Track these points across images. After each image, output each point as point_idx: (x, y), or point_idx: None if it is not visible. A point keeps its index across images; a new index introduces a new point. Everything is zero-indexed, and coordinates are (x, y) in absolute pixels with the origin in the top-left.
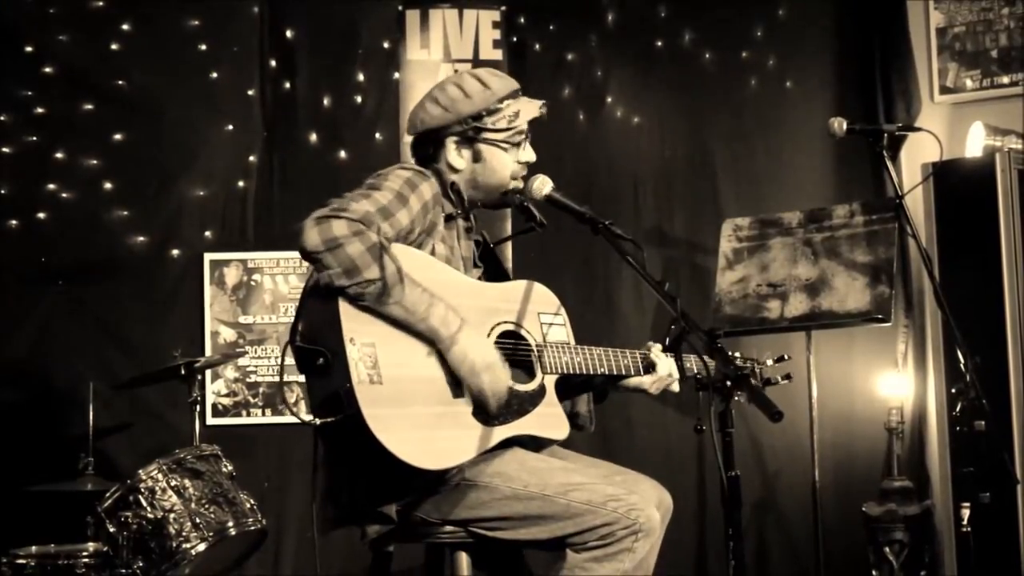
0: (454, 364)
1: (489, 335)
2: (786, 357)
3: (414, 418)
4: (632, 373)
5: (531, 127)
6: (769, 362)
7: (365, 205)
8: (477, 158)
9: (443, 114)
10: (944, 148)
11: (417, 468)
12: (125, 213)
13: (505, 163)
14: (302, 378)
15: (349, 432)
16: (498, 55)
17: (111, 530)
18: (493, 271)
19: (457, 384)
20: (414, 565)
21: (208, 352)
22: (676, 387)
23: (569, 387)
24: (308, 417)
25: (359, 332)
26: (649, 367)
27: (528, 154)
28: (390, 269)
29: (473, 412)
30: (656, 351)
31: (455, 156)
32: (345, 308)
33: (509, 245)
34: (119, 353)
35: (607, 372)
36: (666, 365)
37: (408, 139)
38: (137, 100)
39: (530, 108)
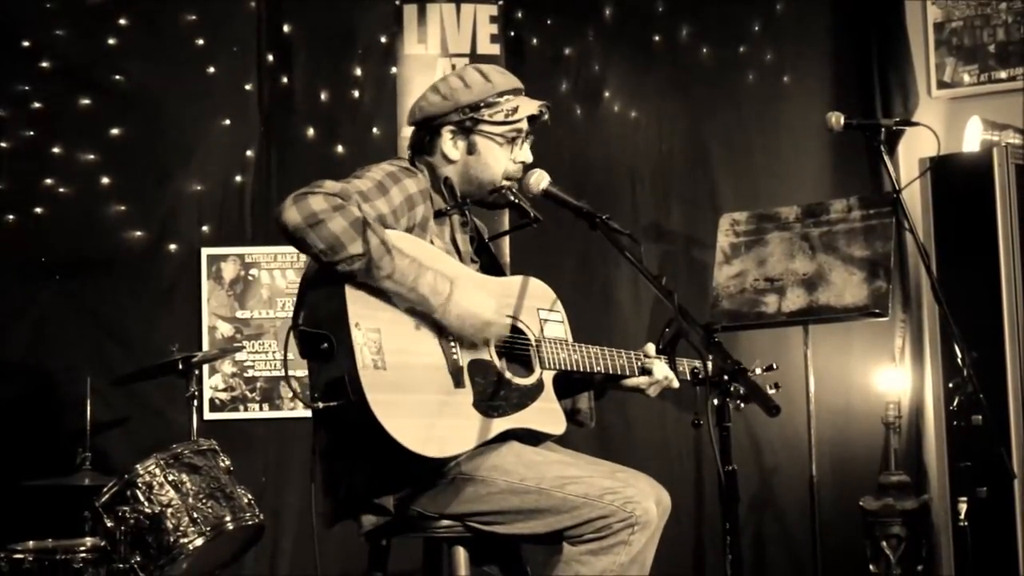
0: (454, 330)
1: None
2: (774, 367)
3: (417, 405)
4: (628, 373)
5: (532, 128)
6: (758, 371)
7: (343, 184)
8: (472, 150)
9: (442, 102)
10: (941, 143)
11: (418, 455)
12: (122, 208)
13: (499, 158)
14: (302, 373)
15: (352, 417)
16: (495, 50)
17: (109, 525)
18: (489, 266)
19: (459, 373)
20: (412, 561)
21: (205, 347)
22: (675, 383)
23: (568, 385)
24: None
25: (365, 317)
26: (645, 371)
27: (525, 154)
28: (374, 242)
29: (473, 402)
30: (651, 353)
31: (450, 146)
32: (352, 292)
33: (507, 241)
34: (116, 348)
35: (604, 371)
36: (661, 369)
37: (407, 132)
38: (134, 95)
39: (529, 106)
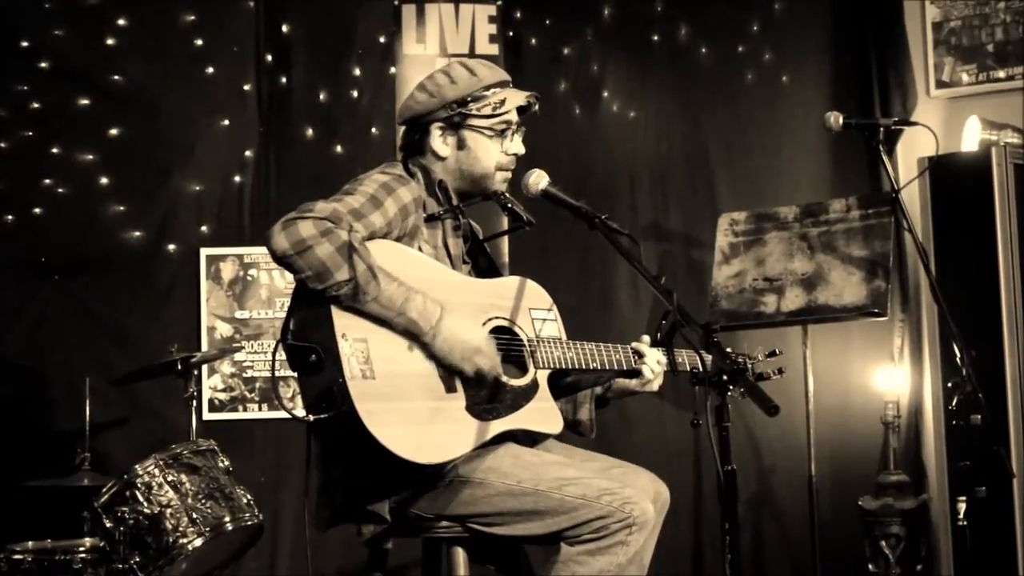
0: (441, 355)
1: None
2: (777, 352)
3: (408, 413)
4: (624, 367)
5: (524, 120)
6: (760, 357)
7: (334, 205)
8: (461, 145)
9: (428, 99)
10: (940, 142)
11: (412, 463)
12: (121, 208)
13: (489, 151)
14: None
15: (343, 428)
16: (494, 50)
17: (108, 525)
18: (485, 267)
19: (450, 378)
20: (411, 561)
21: (204, 347)
22: (664, 362)
23: (567, 388)
24: (302, 414)
25: (351, 327)
26: (636, 373)
27: (516, 146)
28: (361, 268)
29: (466, 406)
30: (646, 343)
31: (439, 143)
32: (336, 304)
33: (505, 241)
34: (115, 348)
35: (599, 367)
36: (649, 370)
37: (401, 131)
38: (133, 95)
39: (517, 98)
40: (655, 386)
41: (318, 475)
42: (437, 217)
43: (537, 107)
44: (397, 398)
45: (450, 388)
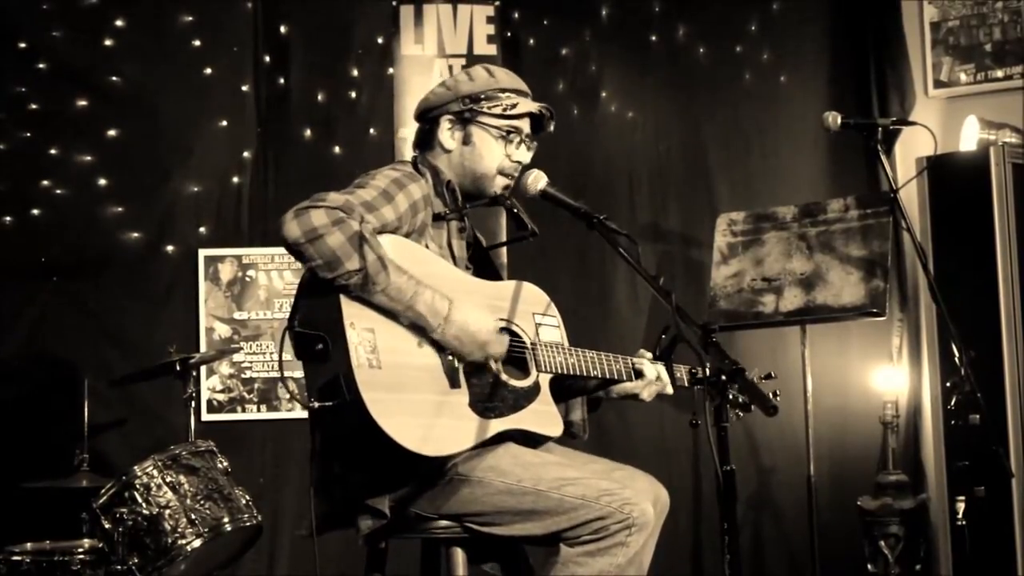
0: (452, 347)
1: None
2: (772, 375)
3: (412, 405)
4: (624, 378)
5: (536, 136)
6: (755, 379)
7: (347, 196)
8: (467, 140)
9: (444, 92)
10: (938, 142)
11: (415, 454)
12: (119, 209)
13: (493, 151)
14: (300, 374)
15: (348, 417)
16: (492, 50)
17: (106, 526)
18: (486, 273)
19: (454, 374)
20: (410, 562)
21: (203, 348)
22: (669, 389)
23: (562, 391)
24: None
25: (359, 317)
26: (638, 374)
27: (521, 154)
28: (371, 258)
29: (469, 403)
30: (646, 358)
31: (447, 136)
32: (345, 294)
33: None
34: (114, 349)
35: (599, 375)
36: (653, 370)
37: (403, 133)
38: (131, 96)
39: (529, 105)
40: (647, 395)
41: (317, 472)
42: (443, 217)
43: (552, 127)
44: (403, 389)
45: (454, 384)
